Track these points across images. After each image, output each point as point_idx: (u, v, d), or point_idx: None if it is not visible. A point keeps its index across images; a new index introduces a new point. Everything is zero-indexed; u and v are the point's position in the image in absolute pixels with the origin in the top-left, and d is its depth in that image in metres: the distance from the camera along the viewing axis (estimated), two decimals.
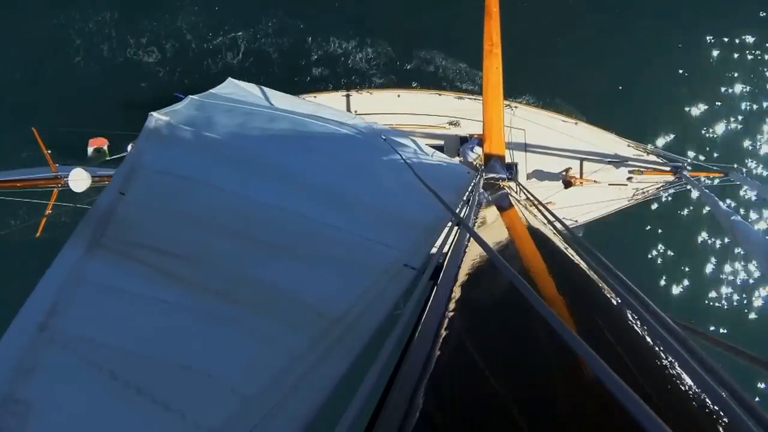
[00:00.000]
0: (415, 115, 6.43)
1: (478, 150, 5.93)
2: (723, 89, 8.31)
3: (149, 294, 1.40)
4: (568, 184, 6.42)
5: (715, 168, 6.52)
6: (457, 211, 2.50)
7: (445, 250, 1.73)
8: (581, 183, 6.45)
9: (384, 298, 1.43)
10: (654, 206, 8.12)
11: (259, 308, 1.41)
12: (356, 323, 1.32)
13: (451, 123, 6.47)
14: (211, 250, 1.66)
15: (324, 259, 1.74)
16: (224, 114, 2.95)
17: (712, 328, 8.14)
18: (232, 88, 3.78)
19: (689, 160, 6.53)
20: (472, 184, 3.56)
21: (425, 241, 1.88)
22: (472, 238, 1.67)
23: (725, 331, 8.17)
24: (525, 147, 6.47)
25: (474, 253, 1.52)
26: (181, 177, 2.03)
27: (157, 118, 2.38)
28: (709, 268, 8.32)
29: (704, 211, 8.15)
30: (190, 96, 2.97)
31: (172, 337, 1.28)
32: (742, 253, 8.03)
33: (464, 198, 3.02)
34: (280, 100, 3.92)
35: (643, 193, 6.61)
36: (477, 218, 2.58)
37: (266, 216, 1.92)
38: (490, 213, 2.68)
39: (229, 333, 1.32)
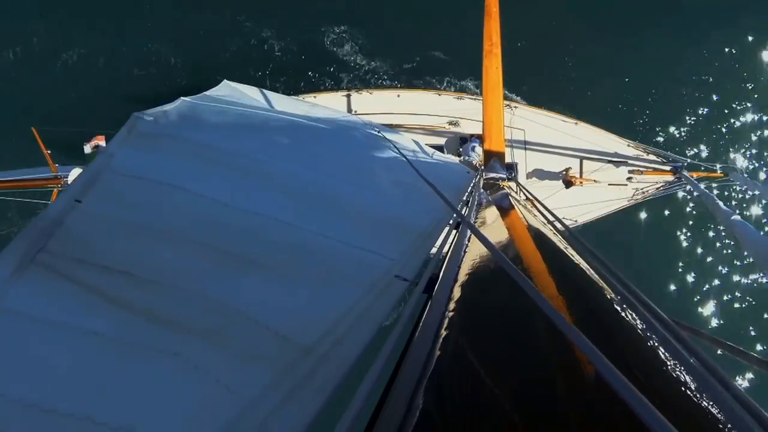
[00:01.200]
0: (415, 115, 6.43)
1: (478, 150, 5.93)
2: (723, 89, 8.30)
3: (77, 324, 1.15)
4: (569, 183, 6.42)
5: (715, 168, 6.53)
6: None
7: (445, 251, 1.70)
8: (581, 183, 6.45)
9: (369, 317, 1.24)
10: (655, 205, 8.13)
11: (211, 337, 1.19)
12: (332, 351, 1.12)
13: (451, 123, 6.47)
14: (170, 266, 1.43)
15: (301, 273, 1.53)
16: (214, 116, 2.79)
17: (713, 325, 8.14)
18: (228, 90, 3.61)
19: (689, 161, 6.53)
20: (472, 184, 3.56)
21: (420, 247, 1.71)
22: (471, 239, 1.67)
23: (719, 322, 8.16)
24: (525, 147, 6.47)
25: (474, 254, 1.52)
26: (154, 182, 1.80)
27: (139, 118, 2.17)
28: (708, 268, 8.32)
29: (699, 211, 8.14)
30: (181, 98, 2.79)
31: (91, 381, 1.04)
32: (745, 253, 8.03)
33: (464, 198, 3.00)
34: (279, 101, 3.83)
35: (643, 193, 6.61)
36: (477, 218, 2.57)
37: (244, 224, 1.72)
38: (490, 213, 2.67)
39: (169, 372, 1.08)
